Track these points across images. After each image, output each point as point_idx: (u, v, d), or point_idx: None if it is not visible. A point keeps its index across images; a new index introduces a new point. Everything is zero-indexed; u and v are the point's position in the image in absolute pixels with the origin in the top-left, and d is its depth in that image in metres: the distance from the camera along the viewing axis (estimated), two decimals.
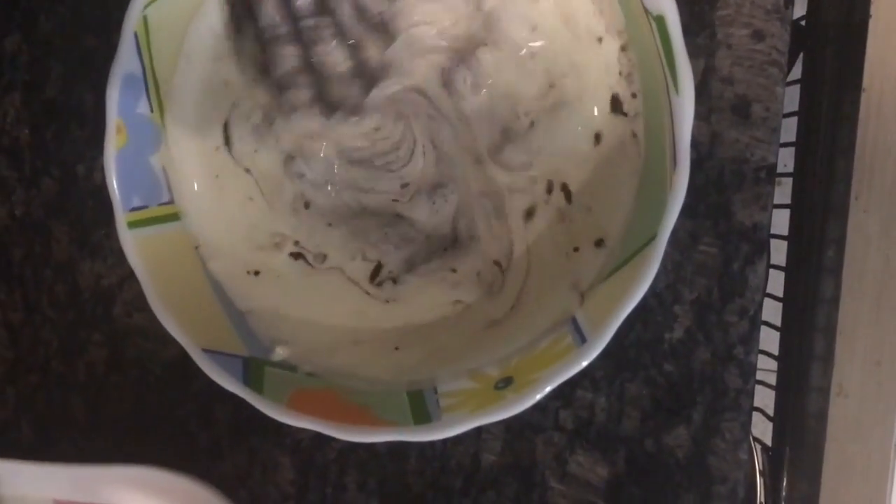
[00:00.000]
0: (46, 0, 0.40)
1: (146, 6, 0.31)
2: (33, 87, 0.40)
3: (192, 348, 0.31)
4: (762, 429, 0.40)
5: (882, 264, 0.34)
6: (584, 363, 0.29)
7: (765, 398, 0.40)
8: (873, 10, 0.34)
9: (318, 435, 0.36)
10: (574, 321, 0.30)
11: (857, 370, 0.34)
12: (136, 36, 0.31)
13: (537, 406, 0.35)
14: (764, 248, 0.33)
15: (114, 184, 0.32)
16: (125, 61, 0.31)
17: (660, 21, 0.28)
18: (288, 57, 0.33)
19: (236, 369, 0.31)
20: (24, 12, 0.40)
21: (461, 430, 0.29)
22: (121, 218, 0.32)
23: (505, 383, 0.30)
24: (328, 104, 0.34)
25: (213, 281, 0.34)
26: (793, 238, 0.40)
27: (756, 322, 0.33)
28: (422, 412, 0.30)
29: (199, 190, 0.35)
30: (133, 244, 0.32)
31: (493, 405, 0.29)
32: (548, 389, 0.29)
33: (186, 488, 0.34)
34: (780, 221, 0.39)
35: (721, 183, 0.33)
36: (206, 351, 0.31)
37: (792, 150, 0.39)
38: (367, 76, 0.34)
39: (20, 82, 0.41)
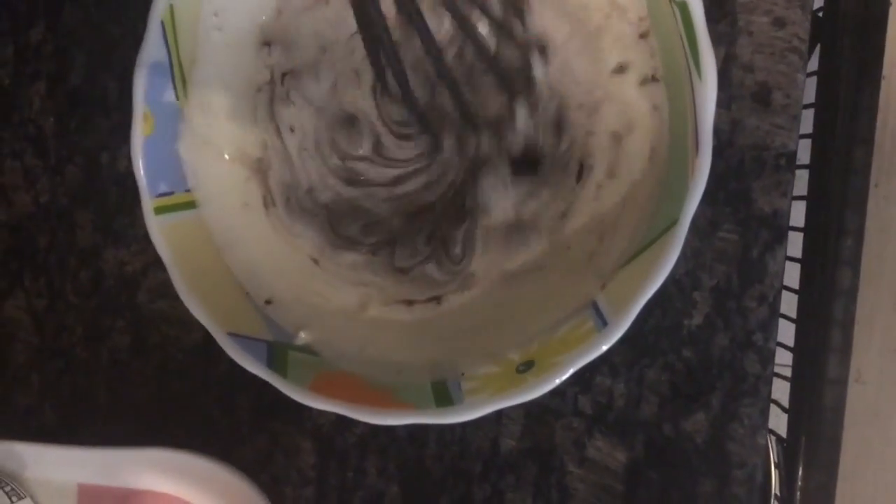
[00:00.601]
0: None
1: None
2: (58, 77, 0.41)
3: (217, 332, 0.31)
4: (777, 420, 0.40)
5: None
6: (605, 347, 0.29)
7: (778, 390, 0.40)
8: None
9: (339, 420, 0.36)
10: (595, 305, 0.31)
11: (874, 357, 0.34)
12: (162, 25, 0.32)
13: (556, 391, 0.35)
14: (784, 235, 0.33)
15: (141, 171, 0.32)
16: (152, 50, 0.32)
17: (683, 7, 0.28)
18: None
19: (260, 353, 0.32)
20: (48, 2, 0.41)
21: (483, 413, 0.29)
22: (147, 204, 0.32)
23: (526, 367, 0.30)
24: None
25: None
26: (809, 230, 0.40)
27: (775, 309, 0.34)
28: (444, 395, 0.31)
29: (218, 186, 0.35)
30: (159, 230, 0.32)
31: (514, 388, 0.29)
32: (569, 373, 0.29)
33: (210, 471, 0.35)
34: (796, 213, 0.39)
35: (741, 170, 0.33)
36: (230, 335, 0.31)
37: (808, 142, 0.39)
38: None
39: (45, 72, 0.41)
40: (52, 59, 0.41)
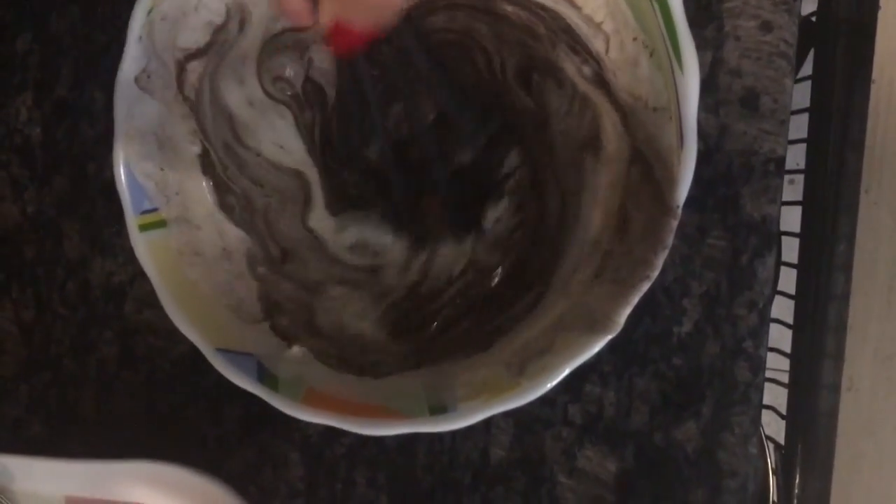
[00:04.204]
0: None
1: (150, 11, 0.31)
2: (44, 87, 0.41)
3: (205, 348, 0.31)
4: (776, 427, 0.40)
5: (893, 258, 0.34)
6: (597, 348, 0.28)
7: (778, 396, 0.40)
8: (883, 1, 0.34)
9: (327, 430, 0.36)
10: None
11: (867, 365, 0.34)
12: (141, 40, 0.31)
13: (546, 400, 0.35)
14: (773, 241, 0.33)
15: (125, 189, 0.32)
16: (131, 66, 0.31)
17: (662, 2, 0.28)
18: None
19: (251, 368, 0.31)
20: (35, 11, 0.41)
21: (477, 419, 0.28)
22: (132, 222, 0.32)
23: (517, 371, 0.30)
24: None
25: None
26: (804, 235, 0.40)
27: (765, 315, 0.33)
28: (437, 402, 0.30)
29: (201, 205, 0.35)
30: (145, 247, 0.32)
31: (507, 393, 0.29)
32: (562, 376, 0.28)
33: (197, 484, 0.34)
34: (794, 219, 0.39)
35: (729, 176, 0.33)
36: (219, 350, 0.31)
37: (804, 146, 0.39)
38: None
39: (31, 81, 0.41)
40: (39, 68, 0.41)
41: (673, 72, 0.28)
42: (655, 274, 0.27)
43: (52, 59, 0.41)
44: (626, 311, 0.27)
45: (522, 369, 0.30)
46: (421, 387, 0.31)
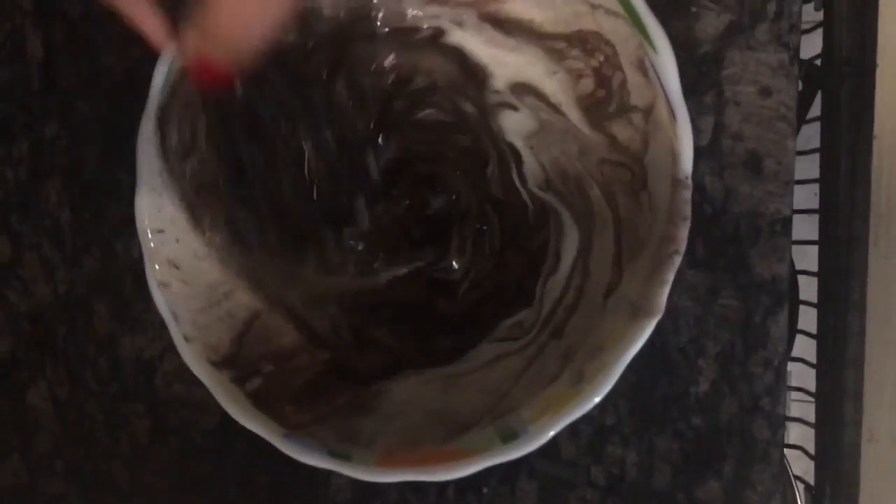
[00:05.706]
0: (83, 86, 0.42)
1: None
2: (72, 171, 0.42)
3: (274, 438, 0.30)
4: (805, 467, 0.40)
5: None
6: (646, 335, 0.27)
7: (806, 437, 0.40)
8: (879, 58, 0.34)
9: (354, 496, 0.37)
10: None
11: (885, 415, 0.34)
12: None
13: (569, 462, 0.35)
14: (784, 300, 0.33)
15: (149, 239, 0.33)
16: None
17: None
18: None
19: (319, 446, 0.31)
20: (61, 99, 0.43)
21: (549, 436, 0.28)
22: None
23: (577, 378, 0.30)
24: None
25: None
26: (822, 274, 0.40)
27: (781, 373, 0.34)
28: (507, 431, 0.30)
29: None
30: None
31: (572, 402, 0.28)
32: (620, 370, 0.28)
33: None
34: (813, 258, 0.39)
35: (737, 237, 0.34)
36: (286, 437, 0.30)
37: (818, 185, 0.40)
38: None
39: (59, 166, 0.43)
40: (66, 154, 0.43)
41: (648, 55, 0.28)
42: (683, 248, 0.27)
43: (78, 144, 0.42)
44: (665, 291, 0.27)
45: (581, 375, 0.30)
46: (489, 419, 0.31)
